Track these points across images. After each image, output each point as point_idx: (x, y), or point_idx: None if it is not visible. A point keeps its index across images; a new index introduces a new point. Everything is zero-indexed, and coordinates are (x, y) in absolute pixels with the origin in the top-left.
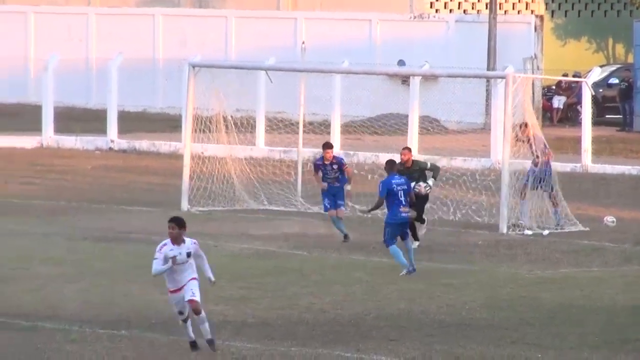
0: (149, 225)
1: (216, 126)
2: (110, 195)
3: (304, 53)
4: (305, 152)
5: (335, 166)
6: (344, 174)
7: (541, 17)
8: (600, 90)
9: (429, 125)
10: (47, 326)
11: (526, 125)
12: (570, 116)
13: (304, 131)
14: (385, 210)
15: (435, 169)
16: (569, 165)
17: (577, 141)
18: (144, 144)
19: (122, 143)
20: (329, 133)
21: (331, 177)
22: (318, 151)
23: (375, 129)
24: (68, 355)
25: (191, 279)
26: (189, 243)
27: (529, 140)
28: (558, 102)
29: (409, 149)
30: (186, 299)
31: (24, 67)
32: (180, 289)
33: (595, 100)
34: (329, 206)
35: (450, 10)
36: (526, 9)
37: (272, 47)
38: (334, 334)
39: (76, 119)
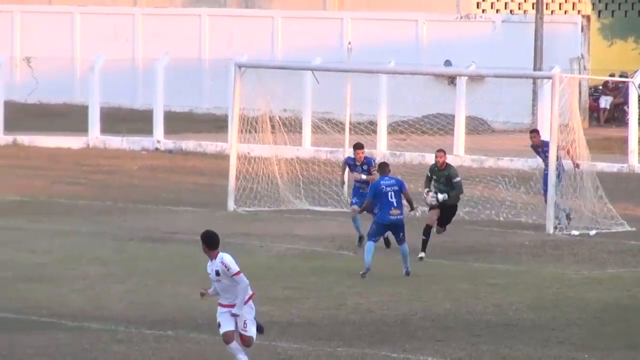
0: (195, 225)
1: (262, 126)
2: (157, 195)
3: (350, 53)
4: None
5: (365, 166)
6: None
7: (588, 17)
8: None
9: (476, 126)
10: (94, 326)
11: (535, 131)
12: (617, 116)
13: (350, 131)
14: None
15: (457, 189)
16: (615, 165)
17: (624, 141)
18: (190, 144)
19: (169, 143)
20: (375, 133)
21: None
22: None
23: (422, 129)
24: (115, 355)
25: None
26: (218, 261)
27: (536, 147)
28: (605, 102)
29: (444, 152)
30: (238, 329)
31: (70, 67)
32: (225, 305)
33: None
34: (354, 202)
35: (497, 11)
36: (573, 9)
37: (318, 47)
38: (380, 334)
39: (122, 119)
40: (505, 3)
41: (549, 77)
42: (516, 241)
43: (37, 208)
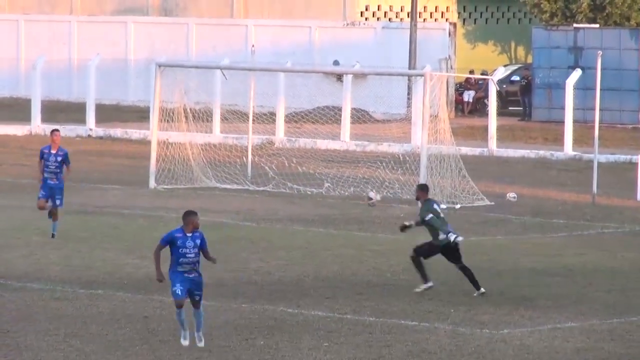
0: (121, 201)
1: (178, 117)
2: (89, 175)
3: (254, 54)
4: (254, 138)
5: (60, 158)
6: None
7: (454, 24)
8: (504, 86)
9: (359, 116)
10: (35, 286)
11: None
12: (479, 108)
13: (253, 121)
14: None
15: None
16: (477, 149)
17: (485, 129)
18: (117, 131)
19: (99, 131)
20: (274, 122)
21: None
22: (265, 138)
23: (314, 119)
24: (53, 310)
25: None
26: None
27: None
28: (468, 96)
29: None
30: None
31: (16, 66)
32: None
33: (499, 94)
34: (42, 195)
35: (378, 18)
36: (442, 17)
37: (226, 49)
38: (278, 292)
39: (60, 110)
40: (385, 12)
41: (421, 75)
42: (393, 214)
43: None
